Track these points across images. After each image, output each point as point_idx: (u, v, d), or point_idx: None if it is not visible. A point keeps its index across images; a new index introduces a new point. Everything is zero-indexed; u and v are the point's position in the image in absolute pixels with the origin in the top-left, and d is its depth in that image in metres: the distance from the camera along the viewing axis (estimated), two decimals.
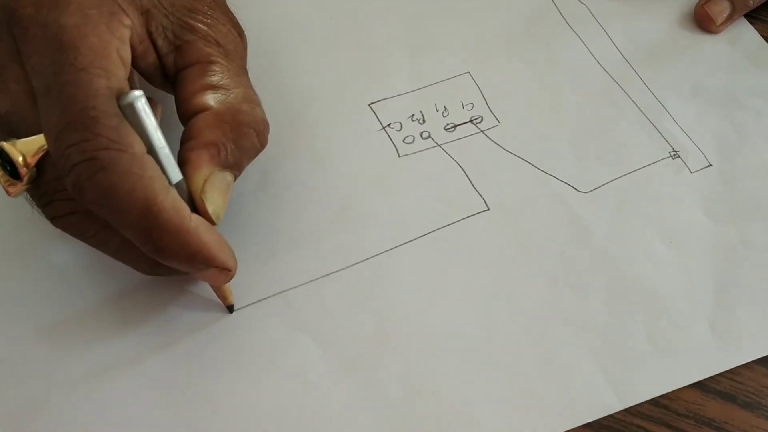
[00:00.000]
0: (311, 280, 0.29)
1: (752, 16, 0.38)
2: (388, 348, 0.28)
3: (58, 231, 0.26)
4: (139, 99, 0.23)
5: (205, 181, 0.25)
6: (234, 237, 0.30)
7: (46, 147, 0.24)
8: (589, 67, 0.36)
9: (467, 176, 0.32)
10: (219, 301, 0.28)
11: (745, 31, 0.38)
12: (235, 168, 0.27)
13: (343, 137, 0.33)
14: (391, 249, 0.30)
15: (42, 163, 0.25)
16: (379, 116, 0.34)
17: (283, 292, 0.29)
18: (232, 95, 0.27)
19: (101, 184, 0.23)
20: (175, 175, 0.25)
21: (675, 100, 0.35)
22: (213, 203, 0.26)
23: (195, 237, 0.24)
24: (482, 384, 0.28)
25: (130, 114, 0.23)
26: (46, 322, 0.28)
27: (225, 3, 0.30)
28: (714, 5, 0.37)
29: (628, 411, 0.28)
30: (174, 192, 0.24)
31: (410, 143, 0.33)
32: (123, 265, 0.27)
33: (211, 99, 0.27)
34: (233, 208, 0.31)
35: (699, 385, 0.28)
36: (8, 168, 0.24)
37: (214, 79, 0.27)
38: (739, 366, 0.29)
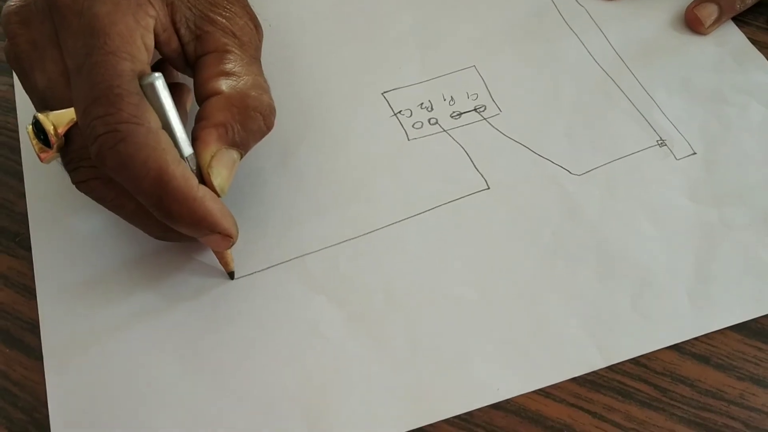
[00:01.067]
0: (327, 246, 0.33)
1: (739, 20, 0.41)
2: (395, 307, 0.31)
3: (84, 202, 0.30)
4: (158, 80, 0.27)
5: (213, 156, 0.29)
6: (257, 208, 0.33)
7: (75, 120, 0.27)
8: (585, 63, 0.39)
9: (470, 158, 0.35)
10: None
11: (732, 33, 0.41)
12: (242, 147, 0.30)
13: (358, 121, 0.36)
14: (400, 221, 0.33)
15: (71, 134, 0.28)
16: (391, 104, 0.37)
17: (301, 256, 0.32)
18: (242, 81, 0.30)
19: (120, 154, 0.26)
20: (187, 149, 0.28)
21: (664, 94, 0.38)
22: (218, 176, 0.29)
23: (201, 204, 0.27)
24: (478, 341, 0.31)
25: (149, 93, 0.27)
26: (73, 281, 0.31)
27: None
28: (703, 9, 0.40)
29: (610, 368, 0.30)
30: (184, 164, 0.27)
31: (419, 128, 0.36)
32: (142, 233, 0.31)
33: (223, 84, 0.29)
34: (258, 182, 0.34)
35: (676, 348, 0.31)
36: (42, 137, 0.28)
37: (228, 66, 0.30)
38: (714, 332, 0.31)
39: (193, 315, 0.31)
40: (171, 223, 0.28)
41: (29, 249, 0.32)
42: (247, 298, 0.31)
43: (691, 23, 0.40)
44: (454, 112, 0.37)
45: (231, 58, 0.30)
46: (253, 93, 0.30)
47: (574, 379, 0.30)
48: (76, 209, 0.33)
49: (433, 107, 0.37)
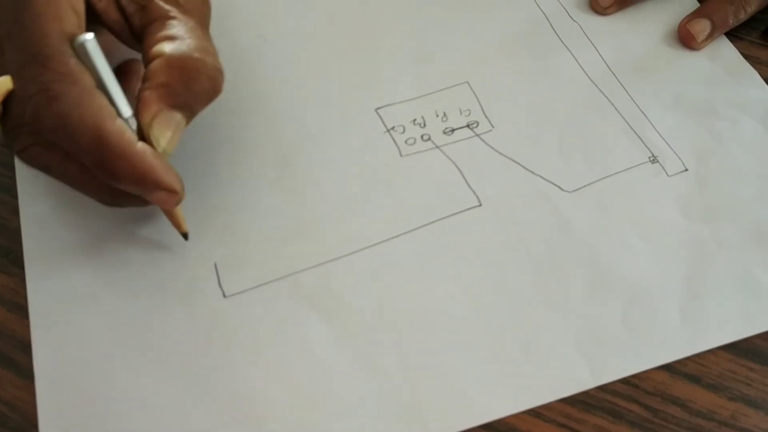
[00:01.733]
0: (319, 264, 0.33)
1: (732, 35, 0.41)
2: (386, 325, 0.31)
3: (79, 220, 0.31)
4: (89, 41, 0.27)
5: (153, 117, 0.28)
6: (250, 225, 0.33)
7: (11, 87, 0.28)
8: (577, 78, 0.39)
9: (462, 175, 0.35)
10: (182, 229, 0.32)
11: (725, 48, 0.41)
12: (185, 109, 0.29)
13: (351, 138, 0.36)
14: (392, 238, 0.34)
15: (8, 102, 0.29)
16: (384, 120, 0.37)
17: (293, 273, 0.32)
18: (185, 44, 0.30)
19: (54, 112, 0.26)
20: (126, 110, 0.28)
21: (656, 110, 0.38)
22: (161, 137, 0.29)
23: (141, 160, 0.27)
24: (469, 360, 0.31)
25: (82, 54, 0.27)
26: (66, 299, 0.31)
27: None
28: (695, 24, 0.40)
29: (600, 388, 0.30)
30: (121, 121, 0.27)
31: (412, 144, 0.36)
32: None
33: (165, 47, 0.29)
34: (251, 198, 0.34)
35: (667, 367, 0.31)
36: None
37: (171, 31, 0.30)
38: (705, 351, 0.31)
39: (186, 333, 0.31)
40: (114, 182, 0.28)
41: (22, 266, 0.32)
42: (239, 316, 0.31)
43: (684, 39, 0.40)
44: (446, 128, 0.37)
45: (174, 23, 0.30)
46: (196, 54, 0.30)
47: (564, 399, 0.30)
48: (70, 227, 0.33)
49: (426, 123, 0.37)
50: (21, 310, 0.32)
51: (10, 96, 0.29)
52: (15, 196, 0.34)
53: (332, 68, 0.39)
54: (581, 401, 0.30)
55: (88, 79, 0.27)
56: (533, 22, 0.41)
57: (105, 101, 0.27)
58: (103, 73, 0.28)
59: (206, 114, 0.36)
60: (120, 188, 0.28)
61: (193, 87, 0.29)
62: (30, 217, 0.34)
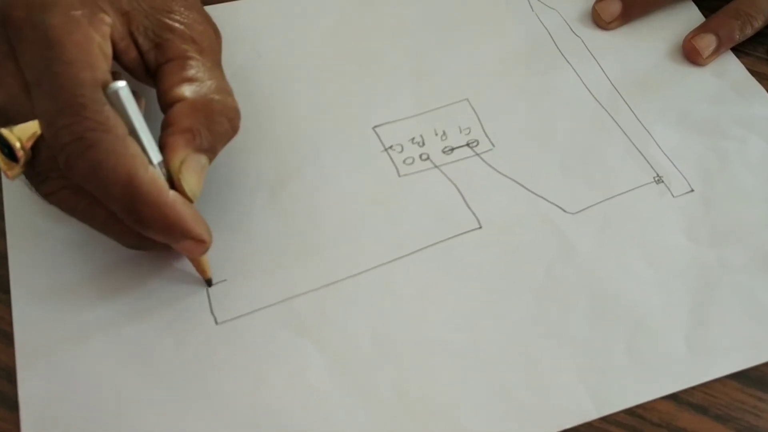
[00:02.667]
0: (313, 289, 0.32)
1: (738, 50, 0.40)
2: (383, 354, 0.30)
3: (67, 246, 0.30)
4: (122, 88, 0.27)
5: (182, 162, 0.28)
6: (243, 248, 0.33)
7: (39, 132, 0.27)
8: (580, 96, 0.38)
9: (462, 196, 0.35)
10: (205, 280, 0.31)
11: (731, 64, 0.40)
12: (209, 151, 0.30)
13: (348, 157, 0.36)
14: (389, 262, 0.33)
15: (36, 147, 0.28)
16: (382, 138, 0.36)
17: (287, 299, 0.31)
18: (205, 86, 0.30)
19: (89, 161, 0.26)
20: (156, 156, 0.28)
21: (661, 128, 0.37)
22: (189, 182, 0.29)
23: (172, 209, 0.27)
24: (469, 389, 0.30)
25: (115, 101, 0.27)
26: (54, 328, 0.30)
27: (199, 4, 0.33)
28: (701, 39, 0.39)
29: (604, 419, 0.30)
30: (153, 169, 0.27)
31: (410, 164, 0.36)
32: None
33: (186, 90, 0.29)
34: (245, 221, 0.33)
35: (673, 397, 0.30)
36: (6, 152, 0.28)
37: (190, 72, 0.30)
38: (712, 380, 0.31)
39: (176, 361, 0.30)
40: (143, 230, 0.28)
41: (8, 292, 0.31)
42: (232, 343, 0.30)
43: (689, 54, 0.39)
44: (446, 147, 0.36)
45: (192, 64, 0.30)
46: (218, 97, 0.30)
47: (566, 431, 0.29)
48: (58, 252, 0.32)
49: (425, 142, 0.36)
50: (6, 337, 0.31)
51: (37, 140, 0.28)
52: (2, 218, 0.34)
53: (329, 85, 0.38)
54: None
55: (121, 127, 0.27)
56: (535, 38, 0.40)
57: (138, 149, 0.27)
58: (135, 120, 0.27)
59: None
60: (147, 235, 0.28)
61: (217, 129, 0.30)
62: (17, 241, 0.33)
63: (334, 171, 0.35)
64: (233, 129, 0.31)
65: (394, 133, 0.36)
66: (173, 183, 0.29)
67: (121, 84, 0.27)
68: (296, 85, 0.38)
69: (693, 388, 0.30)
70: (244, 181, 0.35)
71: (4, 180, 0.34)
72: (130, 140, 0.27)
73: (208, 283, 0.32)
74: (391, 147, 0.36)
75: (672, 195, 0.35)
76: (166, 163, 0.28)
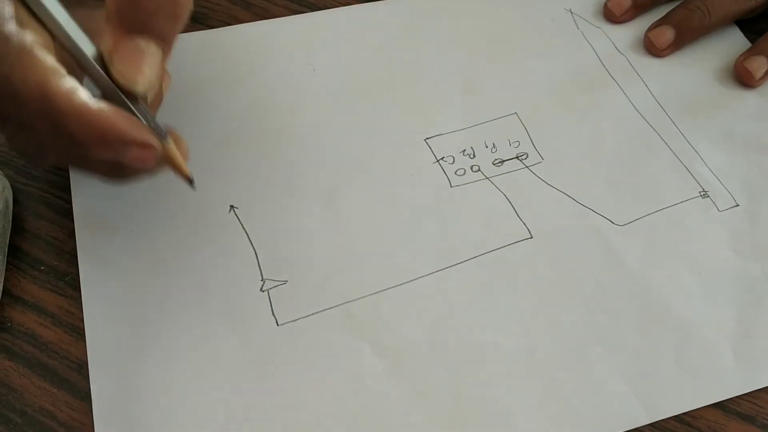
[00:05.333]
0: (370, 294, 0.33)
1: None
2: (438, 357, 0.31)
3: (134, 242, 0.31)
4: None
5: (111, 51, 0.25)
6: (301, 253, 0.34)
7: None
8: (627, 113, 0.39)
9: (513, 206, 0.36)
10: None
11: None
12: (148, 31, 0.26)
13: (401, 168, 0.37)
14: (443, 269, 0.34)
15: None
16: (434, 150, 0.38)
17: (344, 303, 0.33)
18: None
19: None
20: (89, 48, 0.25)
21: (706, 145, 0.38)
22: (122, 71, 0.25)
23: (98, 116, 0.24)
24: (522, 394, 0.31)
25: (33, 5, 0.24)
26: (122, 322, 0.32)
27: None
28: (753, 62, 0.40)
29: (654, 426, 0.30)
30: (72, 79, 0.24)
31: (461, 175, 0.37)
32: None
33: None
34: (302, 227, 0.35)
35: (721, 407, 0.31)
36: None
37: None
38: (760, 390, 0.31)
39: (239, 360, 0.31)
40: (76, 149, 0.25)
41: (78, 289, 0.33)
42: (292, 344, 0.31)
43: (742, 76, 0.40)
44: (496, 159, 0.37)
45: None
46: None
47: None
48: (126, 249, 0.34)
49: (476, 154, 0.37)
50: (77, 331, 0.32)
51: None
52: (71, 219, 0.35)
53: (381, 98, 0.39)
54: None
55: (29, 35, 0.24)
56: (581, 56, 0.41)
57: (51, 60, 0.24)
58: (57, 15, 0.24)
59: (255, 143, 0.37)
60: (91, 156, 0.25)
61: (147, 5, 0.25)
62: (85, 240, 0.34)
63: (388, 181, 0.36)
64: (178, 4, 0.26)
65: (445, 145, 0.38)
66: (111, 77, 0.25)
67: None
68: (350, 98, 0.39)
69: (740, 398, 0.31)
70: (300, 190, 0.36)
71: (73, 181, 0.36)
72: (40, 49, 0.24)
73: (190, 183, 0.29)
74: (442, 158, 0.37)
75: (717, 209, 0.36)
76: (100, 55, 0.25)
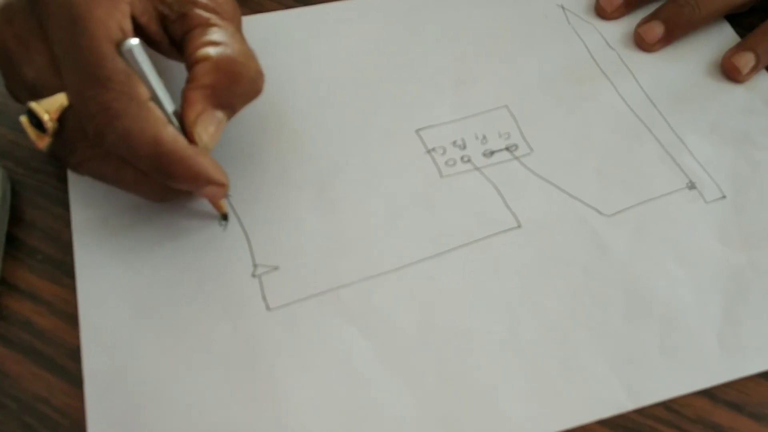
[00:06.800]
0: (360, 280, 0.33)
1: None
2: (426, 342, 0.32)
3: (130, 232, 0.33)
4: (135, 45, 0.29)
5: (197, 116, 0.31)
6: (293, 239, 0.34)
7: (65, 104, 0.30)
8: (616, 106, 0.40)
9: (502, 196, 0.36)
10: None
11: (762, 78, 0.41)
12: (228, 108, 0.32)
13: (392, 157, 0.37)
14: (432, 257, 0.34)
15: (63, 119, 0.30)
16: (425, 141, 0.38)
17: (335, 289, 0.33)
18: (229, 49, 0.31)
19: (117, 129, 0.29)
20: (169, 105, 0.31)
21: (694, 137, 0.39)
22: (201, 135, 0.31)
23: (194, 161, 0.30)
24: (508, 378, 0.31)
25: (129, 58, 0.29)
26: (116, 310, 0.32)
27: None
28: (740, 58, 0.40)
29: (642, 413, 0.30)
30: (172, 128, 0.30)
31: (452, 166, 0.37)
32: None
33: (211, 51, 0.31)
34: (294, 214, 0.35)
35: (709, 395, 0.31)
36: (35, 122, 0.30)
37: (214, 36, 0.31)
38: (747, 379, 0.31)
39: (231, 343, 0.31)
40: (171, 183, 0.30)
41: (73, 277, 0.33)
42: (282, 328, 0.32)
43: (729, 72, 0.41)
44: (486, 150, 0.38)
45: (216, 30, 0.32)
46: (240, 58, 0.31)
47: (606, 424, 0.30)
48: (121, 239, 0.34)
49: (466, 145, 0.38)
50: (72, 319, 0.32)
51: (64, 113, 0.30)
52: (67, 209, 0.36)
53: (374, 90, 0.40)
54: (622, 425, 0.30)
55: (143, 92, 0.29)
56: (572, 50, 0.42)
57: (158, 111, 0.30)
58: (149, 74, 0.30)
59: (250, 133, 0.38)
60: (173, 187, 0.31)
61: (236, 89, 0.32)
62: (81, 229, 0.35)
63: (380, 170, 0.37)
64: (255, 91, 0.33)
65: (436, 136, 0.38)
66: (186, 133, 0.31)
67: (134, 41, 0.29)
68: (343, 89, 0.40)
69: (728, 387, 0.31)
70: (295, 176, 0.36)
71: (69, 173, 0.36)
72: (151, 104, 0.29)
73: (224, 218, 0.34)
74: (433, 149, 0.38)
75: (704, 201, 0.36)
76: (183, 116, 0.31)
